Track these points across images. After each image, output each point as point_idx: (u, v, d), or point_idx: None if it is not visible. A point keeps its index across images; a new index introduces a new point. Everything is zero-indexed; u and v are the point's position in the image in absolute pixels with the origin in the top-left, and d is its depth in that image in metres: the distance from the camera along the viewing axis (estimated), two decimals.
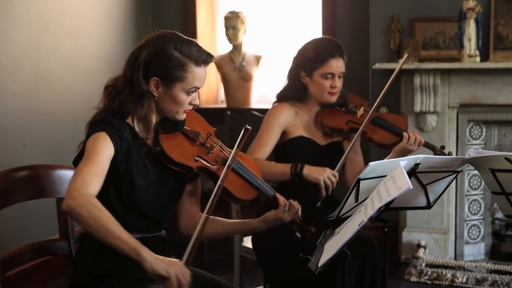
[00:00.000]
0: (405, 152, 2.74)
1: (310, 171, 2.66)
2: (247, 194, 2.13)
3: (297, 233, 2.21)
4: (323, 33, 4.75)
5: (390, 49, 4.28)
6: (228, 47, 5.10)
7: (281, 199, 2.15)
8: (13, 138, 3.71)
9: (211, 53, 2.06)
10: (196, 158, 2.06)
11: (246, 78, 4.99)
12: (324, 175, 2.64)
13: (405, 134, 2.75)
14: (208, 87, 5.26)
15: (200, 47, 2.04)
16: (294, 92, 2.85)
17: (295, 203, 2.16)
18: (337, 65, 2.78)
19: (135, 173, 1.98)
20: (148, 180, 2.02)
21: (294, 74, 2.85)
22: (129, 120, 2.03)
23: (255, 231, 2.22)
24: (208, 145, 2.10)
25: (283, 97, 2.88)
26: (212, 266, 4.14)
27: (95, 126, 1.97)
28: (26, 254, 2.19)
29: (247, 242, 3.03)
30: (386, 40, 4.29)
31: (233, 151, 2.01)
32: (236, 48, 5.00)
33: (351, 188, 2.12)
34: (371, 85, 4.36)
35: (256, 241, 2.84)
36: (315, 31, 4.89)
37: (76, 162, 1.98)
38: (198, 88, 2.04)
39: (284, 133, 2.83)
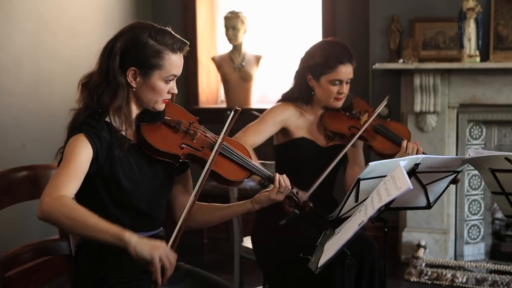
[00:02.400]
0: None
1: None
2: (238, 175, 2.11)
3: (295, 210, 2.20)
4: (323, 33, 4.74)
5: (390, 49, 4.28)
6: (228, 47, 5.10)
7: (276, 180, 2.12)
8: (13, 138, 3.71)
9: (185, 40, 2.04)
10: (182, 146, 2.05)
11: (246, 78, 4.98)
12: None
13: (403, 143, 2.70)
14: (208, 87, 5.26)
15: (174, 35, 2.02)
16: (300, 94, 2.80)
17: (286, 181, 2.13)
18: (346, 71, 2.72)
19: (121, 171, 1.97)
20: (135, 175, 2.00)
21: (301, 76, 2.80)
22: (108, 118, 2.00)
23: (250, 212, 2.20)
24: (192, 132, 2.08)
25: (288, 98, 2.84)
26: (212, 266, 4.14)
27: (74, 129, 1.96)
28: (26, 254, 2.19)
29: (247, 242, 3.02)
30: (386, 40, 4.29)
31: (223, 131, 2.01)
32: (236, 48, 4.99)
33: (351, 188, 2.12)
34: (371, 85, 4.36)
35: (255, 241, 2.83)
36: (315, 31, 4.89)
37: None
38: (175, 75, 2.03)
39: (286, 133, 2.81)
